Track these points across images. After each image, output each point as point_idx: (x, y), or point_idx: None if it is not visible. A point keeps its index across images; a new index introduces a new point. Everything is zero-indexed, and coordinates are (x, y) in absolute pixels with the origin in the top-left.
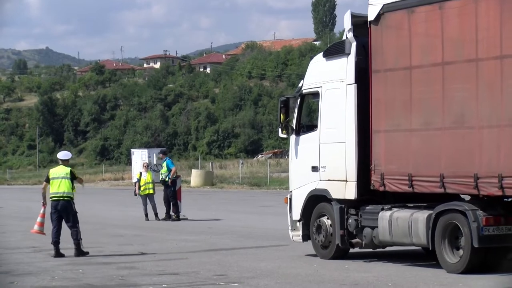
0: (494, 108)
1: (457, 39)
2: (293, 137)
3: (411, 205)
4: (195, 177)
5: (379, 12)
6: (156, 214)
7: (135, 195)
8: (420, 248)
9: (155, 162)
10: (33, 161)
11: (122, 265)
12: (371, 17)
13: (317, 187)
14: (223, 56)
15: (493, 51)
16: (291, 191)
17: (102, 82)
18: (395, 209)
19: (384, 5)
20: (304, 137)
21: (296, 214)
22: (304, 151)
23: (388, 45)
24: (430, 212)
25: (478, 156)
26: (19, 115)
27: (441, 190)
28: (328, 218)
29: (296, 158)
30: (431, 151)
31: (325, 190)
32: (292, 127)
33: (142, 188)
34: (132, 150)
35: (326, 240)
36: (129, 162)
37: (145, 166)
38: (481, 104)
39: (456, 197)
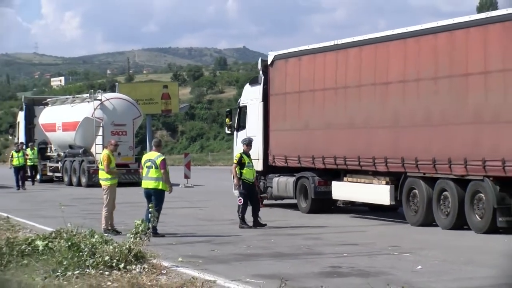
0: (320, 119)
1: (306, 78)
2: (235, 133)
3: (297, 174)
4: None
5: (272, 59)
6: None
7: None
8: None
9: None
10: (232, 145)
11: (308, 236)
12: (269, 62)
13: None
14: None
15: (321, 85)
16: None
17: None
18: (281, 176)
19: (274, 55)
20: (240, 133)
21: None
22: (240, 142)
23: (276, 79)
24: (294, 178)
25: (315, 145)
26: (220, 105)
27: (299, 165)
28: None
29: (236, 145)
30: (295, 142)
31: None
32: (234, 126)
33: None
34: None
35: None
36: None
37: None
38: (316, 116)
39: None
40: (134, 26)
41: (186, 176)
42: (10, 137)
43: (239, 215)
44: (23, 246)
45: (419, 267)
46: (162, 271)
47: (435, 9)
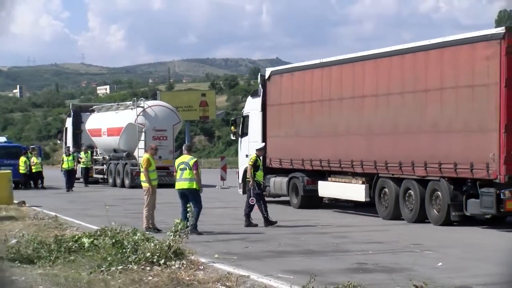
0: (309, 127)
1: (297, 91)
2: (239, 139)
3: (290, 175)
4: None
5: (269, 74)
6: None
7: None
8: None
9: None
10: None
11: (336, 234)
12: (266, 76)
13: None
14: None
15: (309, 97)
16: (239, 168)
17: None
18: (276, 177)
19: (271, 71)
20: (243, 139)
21: (240, 179)
22: (243, 146)
23: (272, 92)
24: (287, 178)
25: (304, 150)
26: None
27: (291, 167)
28: None
29: (240, 150)
30: (288, 147)
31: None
32: (239, 133)
33: None
34: None
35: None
36: None
37: None
38: (305, 125)
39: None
40: (175, 38)
41: (222, 178)
42: (59, 142)
43: (263, 215)
44: (70, 243)
45: (440, 264)
46: (200, 267)
47: (457, 23)
